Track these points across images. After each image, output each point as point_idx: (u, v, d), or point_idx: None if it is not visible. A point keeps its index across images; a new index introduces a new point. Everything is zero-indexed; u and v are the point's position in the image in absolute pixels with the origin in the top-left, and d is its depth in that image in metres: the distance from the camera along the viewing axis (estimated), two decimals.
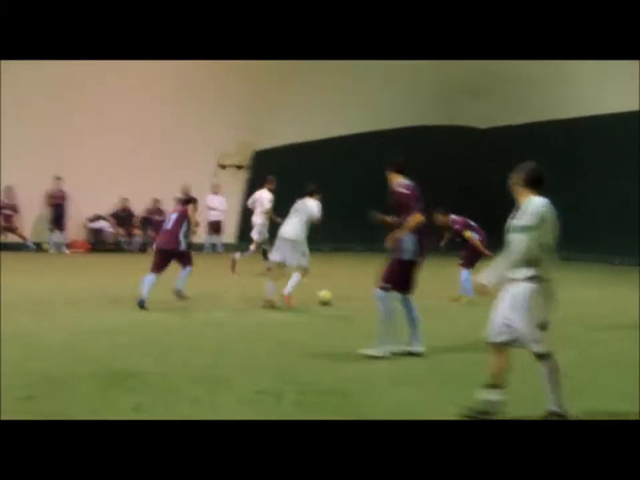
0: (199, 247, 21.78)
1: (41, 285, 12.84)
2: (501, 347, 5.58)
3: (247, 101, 21.79)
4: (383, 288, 7.78)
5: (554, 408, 5.51)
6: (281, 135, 22.35)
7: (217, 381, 6.62)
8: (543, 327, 5.50)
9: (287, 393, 6.22)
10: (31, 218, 20.19)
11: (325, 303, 11.39)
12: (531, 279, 5.46)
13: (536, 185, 5.63)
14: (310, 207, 11.47)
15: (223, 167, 22.65)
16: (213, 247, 22.12)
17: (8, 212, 19.47)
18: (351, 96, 22.62)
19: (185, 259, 11.13)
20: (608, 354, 8.49)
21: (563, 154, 22.02)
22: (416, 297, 8.09)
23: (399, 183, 8.02)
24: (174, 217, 11.16)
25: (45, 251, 19.94)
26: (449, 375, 7.11)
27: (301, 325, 9.47)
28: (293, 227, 11.34)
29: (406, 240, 7.77)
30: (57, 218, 20.09)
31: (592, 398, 6.34)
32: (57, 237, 20.18)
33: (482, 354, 5.89)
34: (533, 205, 5.54)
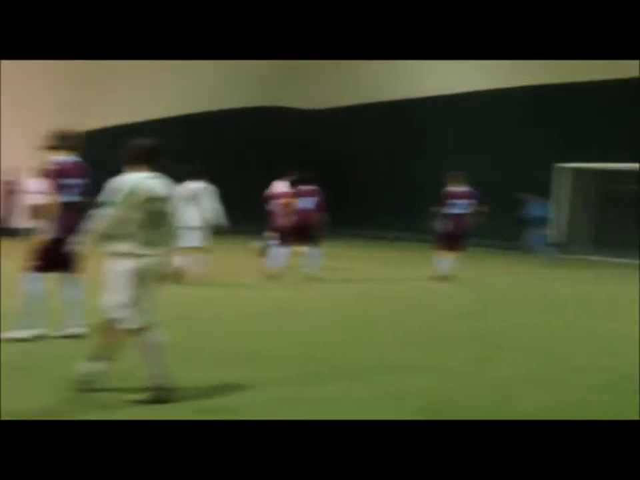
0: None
1: None
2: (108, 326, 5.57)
3: (74, 81, 20.99)
4: (30, 269, 7.23)
5: (155, 383, 5.43)
6: (109, 117, 21.62)
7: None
8: (135, 302, 5.42)
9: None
10: None
11: None
12: (126, 255, 5.40)
13: (133, 161, 5.61)
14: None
15: (50, 148, 21.53)
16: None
17: None
18: (177, 77, 22.20)
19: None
20: None
21: (395, 134, 22.76)
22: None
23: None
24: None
25: None
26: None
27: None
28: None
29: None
30: None
31: None
32: None
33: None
34: (114, 181, 5.50)
